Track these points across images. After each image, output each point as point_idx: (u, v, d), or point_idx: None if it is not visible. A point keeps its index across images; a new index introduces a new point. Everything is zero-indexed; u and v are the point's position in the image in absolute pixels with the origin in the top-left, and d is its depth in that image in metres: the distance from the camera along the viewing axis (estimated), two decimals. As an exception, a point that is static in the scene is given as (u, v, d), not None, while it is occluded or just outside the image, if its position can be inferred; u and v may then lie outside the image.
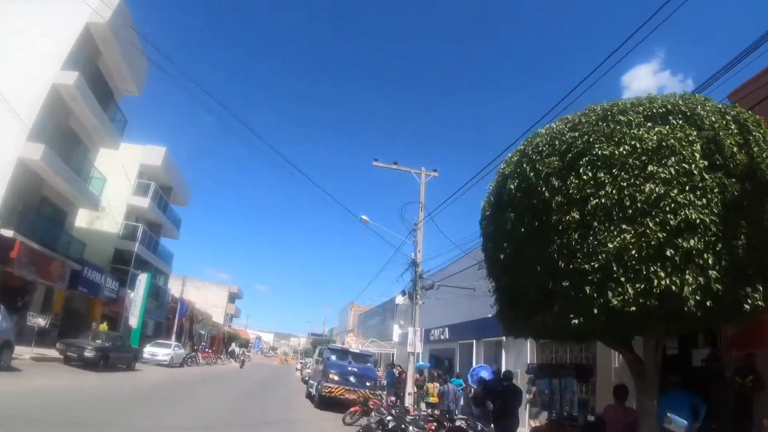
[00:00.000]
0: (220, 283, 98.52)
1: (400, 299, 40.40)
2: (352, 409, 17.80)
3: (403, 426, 11.74)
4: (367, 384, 22.08)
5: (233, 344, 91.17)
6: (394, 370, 27.62)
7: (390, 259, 73.91)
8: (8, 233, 22.79)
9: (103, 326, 33.47)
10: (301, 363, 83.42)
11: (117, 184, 38.30)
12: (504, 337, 20.89)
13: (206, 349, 55.23)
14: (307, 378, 36.95)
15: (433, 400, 21.63)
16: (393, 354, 40.40)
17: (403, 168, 24.83)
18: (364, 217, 24.85)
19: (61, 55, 24.87)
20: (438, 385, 21.97)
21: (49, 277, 26.77)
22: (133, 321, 36.06)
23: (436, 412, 16.04)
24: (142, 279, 37.12)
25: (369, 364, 24.76)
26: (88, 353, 22.34)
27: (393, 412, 13.04)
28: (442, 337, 30.18)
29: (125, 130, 32.80)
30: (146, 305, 39.43)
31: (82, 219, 35.05)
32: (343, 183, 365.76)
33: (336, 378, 21.79)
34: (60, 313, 30.34)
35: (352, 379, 21.98)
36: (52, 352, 23.35)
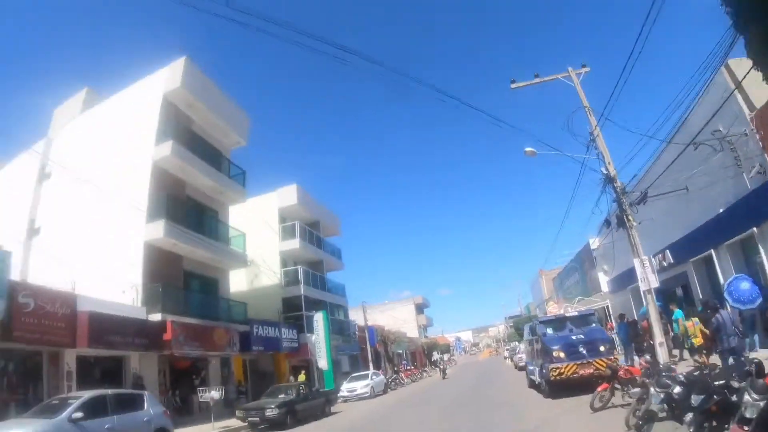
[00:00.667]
0: (404, 299, 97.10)
1: (594, 241, 36.21)
2: (599, 389, 13.16)
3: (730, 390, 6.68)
4: (601, 349, 17.36)
5: (434, 353, 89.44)
6: (625, 321, 22.56)
7: (572, 196, 65.41)
8: (156, 317, 22.17)
9: (302, 376, 32.69)
10: (507, 350, 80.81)
11: (264, 237, 38.44)
12: (755, 228, 16.25)
13: (408, 367, 53.10)
14: (519, 363, 34.91)
15: (698, 341, 17.12)
16: (607, 306, 35.77)
17: (547, 78, 19.91)
18: (528, 149, 20.03)
19: (151, 132, 25.38)
20: (696, 320, 17.46)
21: (216, 347, 25.56)
22: (322, 363, 34.33)
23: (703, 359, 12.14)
24: (318, 318, 35.37)
25: (594, 325, 19.36)
26: (270, 413, 20.15)
27: (677, 377, 8.45)
28: (664, 263, 24.14)
29: (246, 180, 31.93)
30: (332, 342, 38.28)
31: (240, 282, 35.07)
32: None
33: (561, 354, 17.14)
34: (246, 379, 29.78)
35: (581, 350, 17.09)
36: (238, 422, 21.56)
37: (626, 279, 28.43)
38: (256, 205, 41.02)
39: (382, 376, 38.00)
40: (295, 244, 39.83)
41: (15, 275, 19.66)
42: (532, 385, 21.42)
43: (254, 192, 41.86)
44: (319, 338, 34.77)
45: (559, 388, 17.26)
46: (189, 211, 26.73)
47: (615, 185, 17.45)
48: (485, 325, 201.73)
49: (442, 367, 49.58)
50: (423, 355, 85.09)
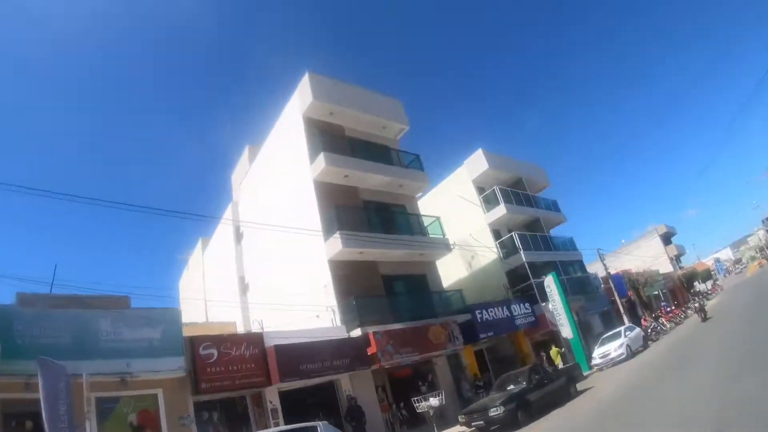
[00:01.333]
0: (646, 234, 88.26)
1: None
2: None
3: None
4: None
5: (695, 283, 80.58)
6: None
7: None
8: (356, 332, 21.19)
9: (555, 351, 30.24)
10: None
11: (469, 214, 37.42)
12: None
13: (668, 309, 46.87)
14: None
15: None
16: None
17: None
18: None
19: (305, 154, 25.60)
20: None
21: (434, 347, 23.35)
22: (566, 331, 29.87)
23: None
24: (549, 283, 31.08)
25: None
26: (495, 412, 16.40)
27: None
28: None
29: (423, 163, 29.94)
30: (576, 303, 35.00)
31: (458, 269, 36.19)
32: None
33: None
34: (488, 370, 28.03)
35: None
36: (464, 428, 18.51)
37: None
38: (450, 185, 39.72)
39: (637, 329, 32.45)
40: (501, 210, 36.44)
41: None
42: None
43: (447, 172, 40.65)
44: (555, 304, 30.46)
45: None
46: (369, 215, 25.75)
47: None
48: (743, 237, 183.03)
49: (697, 305, 36.86)
50: (683, 290, 76.64)
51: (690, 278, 78.37)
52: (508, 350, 30.62)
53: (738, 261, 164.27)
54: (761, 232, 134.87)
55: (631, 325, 33.86)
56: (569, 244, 42.42)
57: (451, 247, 28.63)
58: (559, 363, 28.79)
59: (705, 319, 33.05)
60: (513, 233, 35.69)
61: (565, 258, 39.78)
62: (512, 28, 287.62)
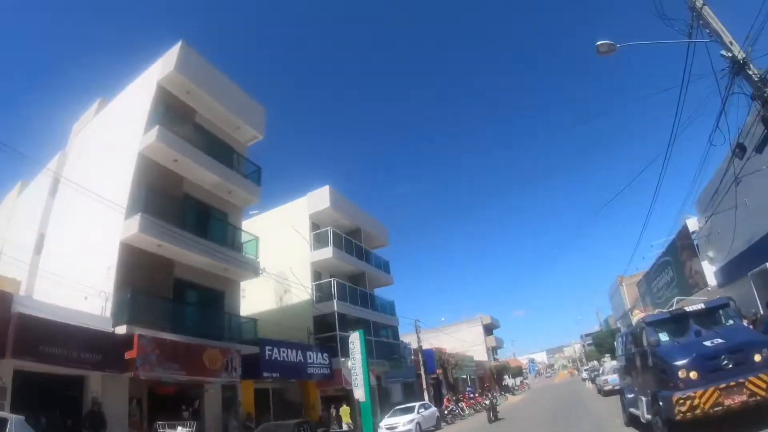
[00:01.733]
0: (470, 319, 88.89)
1: (693, 223, 29.32)
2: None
3: None
4: (757, 360, 10.35)
5: (505, 377, 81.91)
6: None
7: (672, 135, 53.87)
8: (121, 329, 17.82)
9: (345, 409, 28.90)
10: (586, 370, 72.63)
11: (295, 247, 34.36)
12: None
13: (473, 394, 45.90)
14: (604, 386, 30.73)
15: None
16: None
17: None
18: (603, 43, 13.28)
19: (142, 122, 22.20)
20: None
21: (204, 371, 20.34)
22: (359, 393, 27.87)
23: None
24: (354, 339, 29.11)
25: (732, 322, 12.26)
26: None
27: None
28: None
29: (262, 177, 27.93)
30: (379, 368, 34.06)
31: (268, 299, 33.07)
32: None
33: (693, 375, 10.32)
34: (268, 411, 26.13)
35: (725, 362, 10.29)
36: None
37: (746, 262, 21.87)
38: (287, 213, 36.85)
39: (433, 408, 31.28)
40: (327, 253, 34.30)
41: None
42: (634, 422, 14.83)
43: (289, 199, 38.11)
44: (355, 363, 28.44)
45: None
46: (186, 211, 22.87)
47: (750, 72, 10.80)
48: (560, 345, 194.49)
49: (488, 403, 31.95)
50: (492, 380, 77.47)
51: (501, 371, 79.67)
52: (297, 397, 28.61)
53: (550, 366, 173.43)
54: (577, 345, 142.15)
55: (427, 402, 32.31)
56: (388, 308, 40.96)
57: (260, 271, 26.08)
58: (348, 422, 27.66)
59: (494, 419, 29.21)
60: (332, 279, 33.71)
61: (381, 320, 38.32)
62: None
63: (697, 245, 28.99)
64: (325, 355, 29.66)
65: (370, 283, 39.55)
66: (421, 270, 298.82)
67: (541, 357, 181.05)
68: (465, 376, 57.70)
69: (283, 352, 25.96)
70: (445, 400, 39.01)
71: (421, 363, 40.96)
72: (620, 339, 18.06)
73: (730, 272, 24.98)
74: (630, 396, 15.27)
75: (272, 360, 24.85)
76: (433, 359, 46.92)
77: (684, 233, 30.31)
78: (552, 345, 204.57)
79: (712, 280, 27.71)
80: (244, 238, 25.65)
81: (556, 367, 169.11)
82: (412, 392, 41.16)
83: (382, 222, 45.85)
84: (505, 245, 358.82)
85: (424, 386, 39.85)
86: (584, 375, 68.05)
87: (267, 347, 24.75)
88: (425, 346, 45.70)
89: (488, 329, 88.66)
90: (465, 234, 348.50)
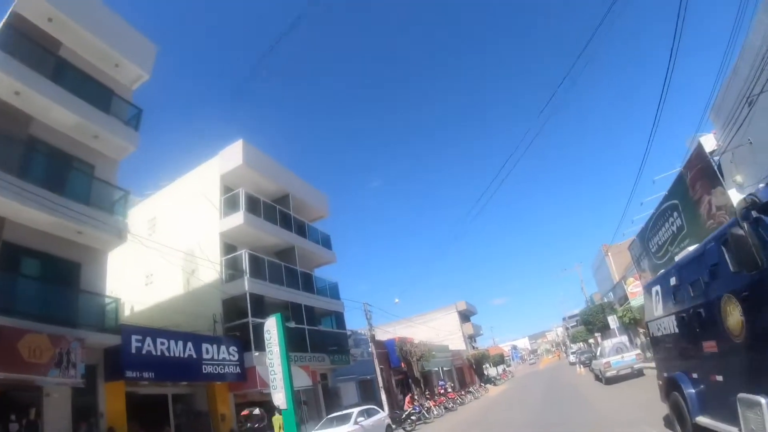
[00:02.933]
0: (444, 307, 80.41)
1: (708, 141, 22.18)
2: None
3: None
4: None
5: (486, 366, 74.64)
6: None
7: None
8: None
9: (277, 419, 20.49)
10: (574, 353, 65.68)
11: (205, 217, 27.38)
12: None
13: (445, 389, 38.43)
14: (606, 372, 24.17)
15: None
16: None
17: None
18: None
19: None
20: None
21: (25, 366, 13.77)
22: (279, 398, 20.25)
23: None
24: (271, 327, 21.38)
25: None
26: None
27: None
28: None
29: (141, 122, 22.20)
30: (321, 363, 27.77)
31: (175, 283, 26.51)
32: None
33: None
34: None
35: None
36: None
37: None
38: (199, 178, 29.31)
39: (380, 414, 23.26)
40: (237, 219, 26.41)
41: None
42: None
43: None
44: (273, 358, 20.77)
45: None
46: (31, 157, 17.45)
47: None
48: (542, 331, 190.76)
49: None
50: (471, 371, 70.16)
51: (480, 360, 72.51)
52: (203, 404, 21.92)
53: (534, 351, 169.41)
54: (559, 329, 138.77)
55: (372, 407, 23.95)
56: (330, 290, 33.10)
57: (125, 235, 19.32)
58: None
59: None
60: (243, 251, 25.82)
61: (320, 305, 30.57)
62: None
63: (719, 165, 21.48)
64: (233, 348, 22.46)
65: (305, 260, 31.59)
66: (397, 259, 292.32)
67: (523, 343, 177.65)
68: (437, 369, 50.03)
69: (162, 343, 19.02)
70: (406, 400, 31.30)
71: (374, 355, 33.22)
72: (660, 285, 10.26)
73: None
74: (696, 391, 8.17)
75: (142, 354, 18.10)
76: (395, 351, 39.37)
77: (698, 157, 22.80)
78: (534, 331, 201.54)
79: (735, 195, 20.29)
80: (117, 195, 19.55)
81: (539, 352, 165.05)
82: (371, 392, 34.04)
83: (322, 191, 37.82)
84: (483, 235, 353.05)
85: (380, 384, 32.15)
86: (572, 358, 61.23)
87: (134, 337, 18.00)
88: (388, 337, 39.04)
89: (464, 316, 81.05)
90: (438, 223, 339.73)
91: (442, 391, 37.61)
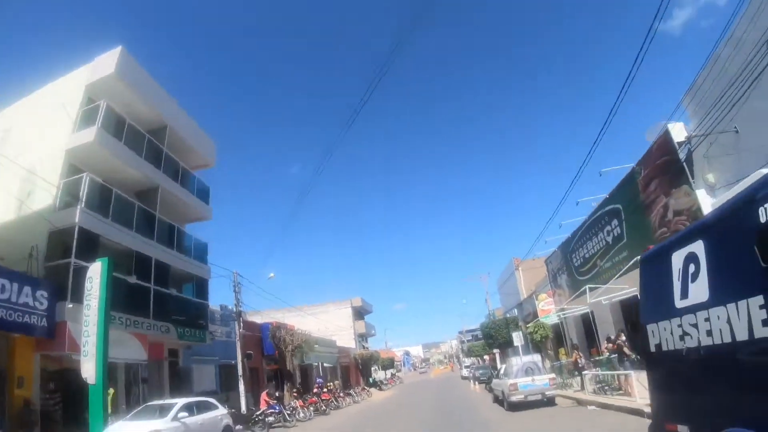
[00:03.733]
0: (339, 300, 74.90)
1: (677, 131, 17.79)
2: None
3: None
4: None
5: (374, 368, 70.05)
6: None
7: None
8: None
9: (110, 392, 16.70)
10: (467, 367, 61.75)
11: (59, 134, 21.46)
12: None
13: (320, 386, 33.33)
14: (511, 396, 19.40)
15: None
16: None
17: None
18: None
19: None
20: None
21: None
22: (88, 369, 15.09)
23: None
24: (94, 273, 16.17)
25: None
26: None
27: None
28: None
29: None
30: (168, 336, 22.75)
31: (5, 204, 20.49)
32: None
33: None
34: None
35: None
36: None
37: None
38: (64, 89, 23.04)
39: (217, 411, 17.73)
40: (89, 135, 20.66)
41: None
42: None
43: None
44: (89, 315, 15.49)
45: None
46: None
47: None
48: (436, 341, 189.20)
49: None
50: (358, 372, 65.52)
51: (368, 361, 67.87)
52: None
53: (426, 360, 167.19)
54: (454, 341, 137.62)
55: (206, 400, 18.35)
56: (197, 251, 27.43)
57: None
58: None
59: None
60: (85, 174, 20.17)
61: (178, 264, 24.90)
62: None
63: (690, 157, 17.37)
64: (41, 294, 16.92)
65: (172, 209, 25.79)
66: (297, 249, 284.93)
67: (417, 351, 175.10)
68: (317, 364, 44.86)
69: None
70: (262, 396, 25.76)
71: (237, 336, 27.90)
72: (713, 248, 5.13)
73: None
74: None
75: None
76: (269, 336, 33.96)
77: (660, 149, 18.61)
78: (429, 340, 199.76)
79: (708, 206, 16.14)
80: None
81: (432, 361, 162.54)
82: (232, 379, 28.80)
83: (211, 137, 32.02)
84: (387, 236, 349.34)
85: (240, 371, 26.86)
86: (465, 372, 57.05)
87: None
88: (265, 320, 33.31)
89: (359, 313, 76.18)
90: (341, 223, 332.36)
91: (316, 390, 32.38)
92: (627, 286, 21.92)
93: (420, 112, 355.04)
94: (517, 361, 21.05)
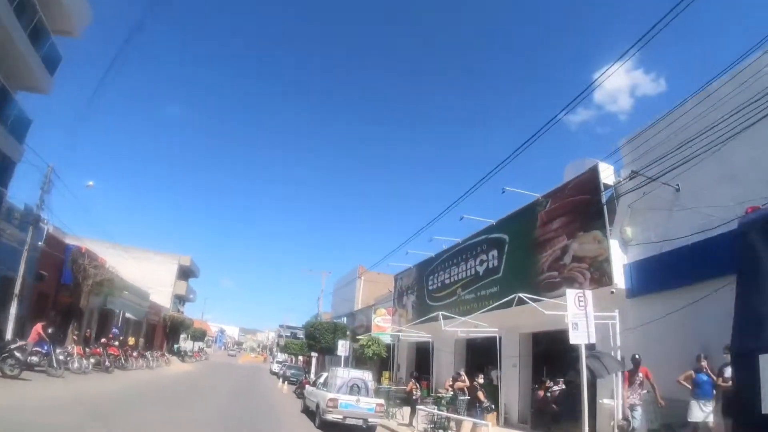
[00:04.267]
0: (168, 253, 67.85)
1: (605, 170, 16.24)
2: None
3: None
4: None
5: (183, 336, 65.20)
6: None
7: None
8: None
9: None
10: (279, 363, 56.99)
11: None
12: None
13: (113, 340, 28.50)
14: (327, 413, 16.15)
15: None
16: (612, 326, 13.68)
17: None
18: None
19: None
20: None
21: None
22: None
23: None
24: None
25: None
26: None
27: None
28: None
29: None
30: None
31: None
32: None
33: None
34: None
35: None
36: None
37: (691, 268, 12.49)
38: None
39: None
40: None
41: None
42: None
43: None
44: None
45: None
46: None
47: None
48: (255, 329, 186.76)
49: None
50: (165, 335, 60.26)
51: (178, 325, 62.45)
52: None
53: (239, 344, 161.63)
54: (272, 333, 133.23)
55: None
56: (15, 126, 22.56)
57: None
58: None
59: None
60: None
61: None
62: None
63: (615, 202, 15.46)
64: None
65: (7, 62, 20.83)
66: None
67: (233, 332, 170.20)
68: (120, 312, 39.52)
69: None
70: (35, 328, 20.67)
71: (27, 246, 22.81)
72: None
73: (655, 276, 13.79)
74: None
75: None
76: (69, 261, 28.43)
77: (581, 186, 16.48)
78: (248, 325, 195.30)
79: (620, 278, 14.51)
80: None
81: (245, 347, 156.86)
82: (8, 298, 23.00)
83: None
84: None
85: (16, 292, 21.93)
86: (276, 367, 52.65)
87: None
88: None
89: (184, 273, 70.35)
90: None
91: (104, 341, 27.49)
92: (486, 325, 19.59)
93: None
94: (344, 374, 17.77)
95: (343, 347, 31.36)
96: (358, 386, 16.95)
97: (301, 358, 58.78)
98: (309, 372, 39.92)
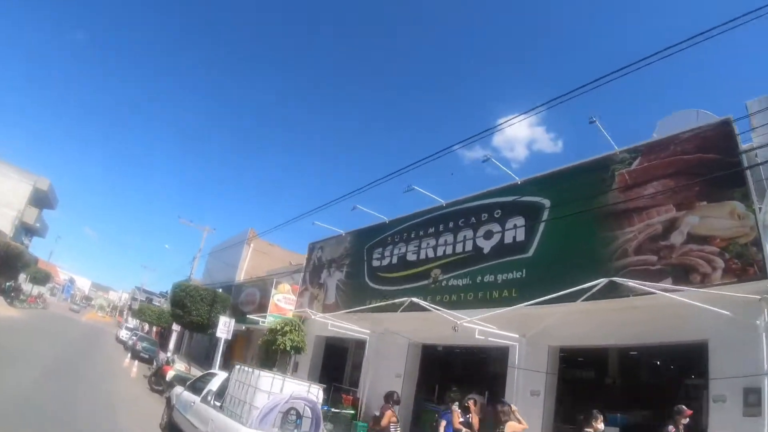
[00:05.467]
0: (22, 168, 54.14)
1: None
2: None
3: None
4: None
5: (21, 275, 54.39)
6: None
7: None
8: None
9: None
10: (129, 330, 47.27)
11: None
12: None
13: None
14: (179, 405, 10.91)
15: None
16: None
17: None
18: None
19: None
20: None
21: None
22: None
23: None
24: None
25: None
26: None
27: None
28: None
29: None
30: None
31: None
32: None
33: None
34: None
35: None
36: None
37: None
38: None
39: None
40: None
41: None
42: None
43: None
44: None
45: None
46: None
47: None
48: (109, 286, 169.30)
49: None
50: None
51: (15, 259, 49.84)
52: None
53: (89, 299, 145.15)
54: (126, 294, 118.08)
55: None
56: None
57: None
58: None
59: None
60: None
61: None
62: None
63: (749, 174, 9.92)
64: None
65: None
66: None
67: (83, 284, 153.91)
68: None
69: None
70: None
71: None
72: None
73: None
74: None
75: None
76: None
77: (707, 141, 10.74)
78: (102, 281, 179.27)
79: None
80: None
81: (94, 303, 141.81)
82: None
83: None
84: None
85: None
86: (124, 334, 42.75)
87: None
88: None
89: (39, 200, 56.23)
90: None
91: None
92: (494, 327, 12.16)
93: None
94: (267, 385, 8.96)
95: (225, 327, 22.42)
96: (297, 412, 8.46)
97: (155, 329, 49.06)
98: (163, 346, 31.13)
